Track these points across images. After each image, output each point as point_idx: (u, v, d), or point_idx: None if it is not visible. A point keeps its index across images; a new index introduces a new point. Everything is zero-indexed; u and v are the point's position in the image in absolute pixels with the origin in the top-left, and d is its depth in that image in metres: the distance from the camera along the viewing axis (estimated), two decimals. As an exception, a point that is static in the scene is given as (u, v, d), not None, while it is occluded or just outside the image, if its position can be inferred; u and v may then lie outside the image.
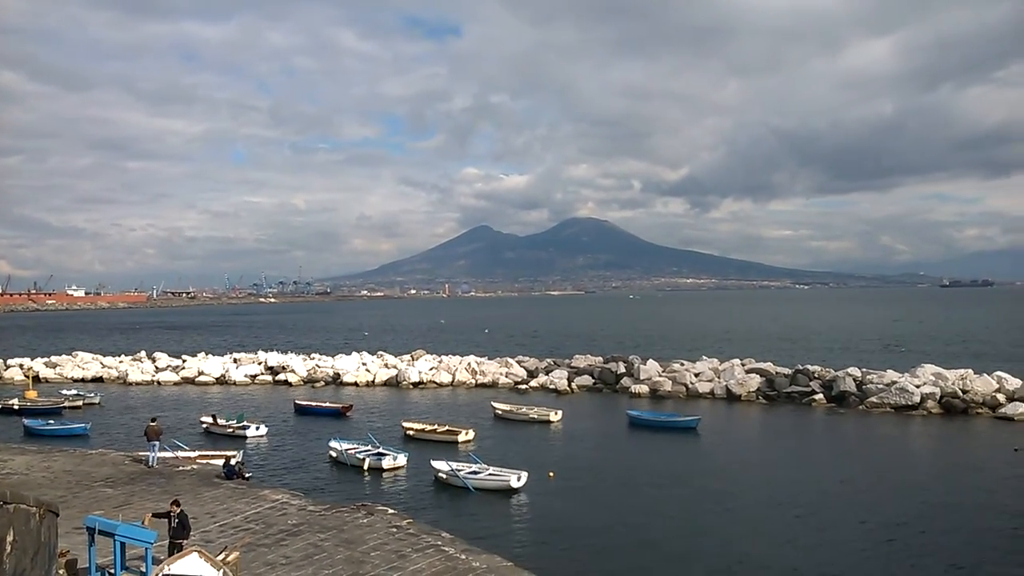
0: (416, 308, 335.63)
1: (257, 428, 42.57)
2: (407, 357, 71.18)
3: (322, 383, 63.75)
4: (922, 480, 31.33)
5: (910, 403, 47.05)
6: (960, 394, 47.22)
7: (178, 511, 18.65)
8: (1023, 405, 44.38)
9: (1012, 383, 47.68)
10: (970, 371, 50.50)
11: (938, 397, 47.30)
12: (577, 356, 66.14)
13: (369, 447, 35.94)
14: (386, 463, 33.73)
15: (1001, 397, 46.23)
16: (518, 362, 66.29)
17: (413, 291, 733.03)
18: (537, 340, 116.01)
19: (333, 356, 73.02)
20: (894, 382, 49.15)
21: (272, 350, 78.43)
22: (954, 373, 49.96)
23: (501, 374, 62.93)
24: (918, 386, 48.12)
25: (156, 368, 70.37)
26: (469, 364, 65.10)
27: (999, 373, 50.00)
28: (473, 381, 62.40)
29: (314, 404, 51.63)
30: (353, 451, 35.26)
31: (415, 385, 61.74)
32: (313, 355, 75.23)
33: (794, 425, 45.22)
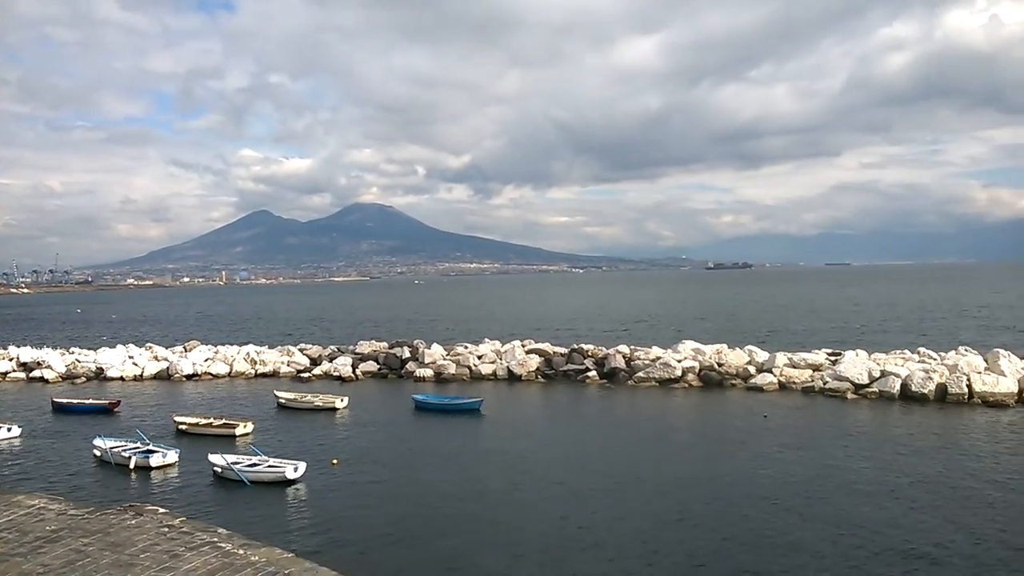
0: (187, 297, 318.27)
1: (9, 429, 38.92)
2: (179, 348, 67.50)
3: (84, 379, 59.11)
4: (691, 450, 33.86)
5: (673, 377, 50.71)
6: (716, 367, 51.42)
7: None
8: (770, 376, 49.04)
9: (761, 356, 52.55)
10: (724, 346, 55.15)
11: (697, 371, 51.28)
12: (362, 342, 65.59)
13: (138, 444, 33.96)
14: (155, 460, 31.97)
15: (752, 369, 50.78)
16: (300, 350, 64.73)
17: (186, 279, 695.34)
18: (320, 327, 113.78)
19: (95, 350, 67.95)
20: (659, 358, 52.76)
21: (25, 344, 71.91)
22: (711, 348, 54.36)
23: (282, 363, 61.20)
24: (679, 361, 51.94)
25: None
26: (248, 354, 62.78)
27: (750, 347, 54.99)
28: (252, 371, 60.28)
29: (75, 402, 47.82)
30: (119, 449, 33.16)
31: (189, 378, 58.72)
32: (72, 349, 69.67)
33: (571, 402, 47.40)
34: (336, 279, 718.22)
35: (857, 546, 21.60)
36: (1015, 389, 42.49)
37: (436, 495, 27.39)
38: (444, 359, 57.76)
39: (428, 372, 56.33)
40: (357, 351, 62.51)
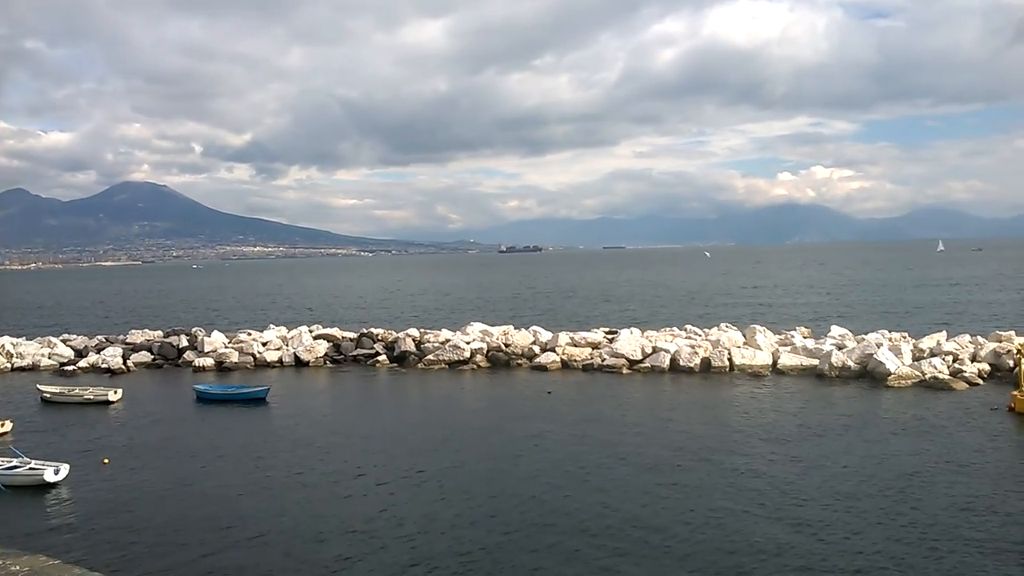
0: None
1: None
2: (-82, 343, 60.33)
3: None
4: (481, 430, 34.69)
5: (462, 359, 51.61)
6: (504, 348, 52.89)
7: None
8: (553, 355, 51.07)
9: (544, 336, 54.61)
10: (511, 327, 56.83)
11: (485, 352, 52.50)
12: (133, 331, 61.67)
13: None
14: None
15: (536, 349, 52.67)
16: (63, 341, 59.84)
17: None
18: (86, 316, 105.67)
19: None
20: (448, 340, 53.51)
21: None
22: (498, 329, 55.83)
23: (43, 355, 56.34)
24: (468, 343, 52.94)
25: None
26: (2, 346, 57.20)
27: (535, 327, 57.01)
28: (8, 365, 55.10)
29: None
30: None
31: (-69, 375, 52.75)
32: None
33: (361, 387, 47.09)
34: (104, 264, 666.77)
35: (629, 512, 23.21)
36: (769, 361, 46.97)
37: (219, 491, 26.36)
38: (226, 347, 55.46)
39: (208, 361, 53.88)
40: (128, 341, 58.73)
